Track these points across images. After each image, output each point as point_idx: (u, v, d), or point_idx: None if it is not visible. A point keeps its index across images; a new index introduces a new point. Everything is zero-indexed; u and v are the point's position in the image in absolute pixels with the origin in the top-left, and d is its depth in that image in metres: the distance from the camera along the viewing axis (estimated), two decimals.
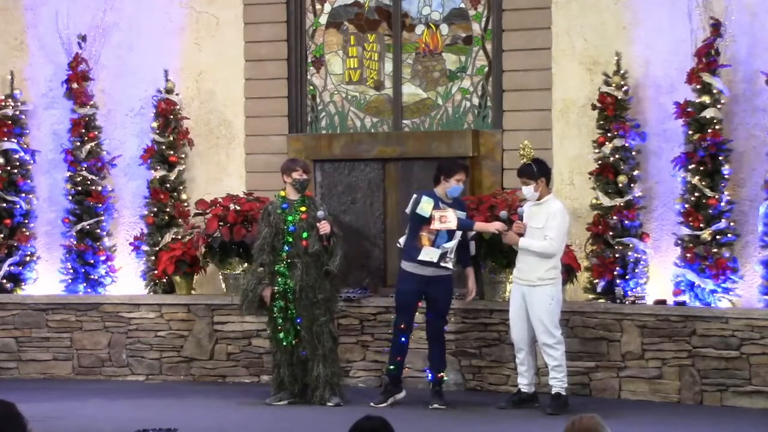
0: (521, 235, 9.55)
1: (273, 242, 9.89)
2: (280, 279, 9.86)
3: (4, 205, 12.12)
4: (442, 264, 9.72)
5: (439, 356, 9.89)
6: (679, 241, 10.39)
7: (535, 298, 9.48)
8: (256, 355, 11.15)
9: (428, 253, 9.70)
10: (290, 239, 9.86)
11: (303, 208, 9.92)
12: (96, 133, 12.15)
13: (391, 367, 9.94)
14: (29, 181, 12.32)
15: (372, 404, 9.74)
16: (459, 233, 9.77)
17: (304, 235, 9.84)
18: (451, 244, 9.72)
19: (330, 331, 9.91)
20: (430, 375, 9.91)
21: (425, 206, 9.70)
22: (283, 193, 10.04)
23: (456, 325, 10.68)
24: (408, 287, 9.83)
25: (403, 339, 9.87)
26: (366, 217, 11.45)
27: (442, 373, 9.85)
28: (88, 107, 12.12)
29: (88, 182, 12.04)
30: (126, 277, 12.06)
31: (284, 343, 9.90)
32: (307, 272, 9.80)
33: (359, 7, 11.88)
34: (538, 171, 9.57)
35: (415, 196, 9.88)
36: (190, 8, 12.14)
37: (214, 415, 9.64)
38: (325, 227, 9.74)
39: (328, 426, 9.12)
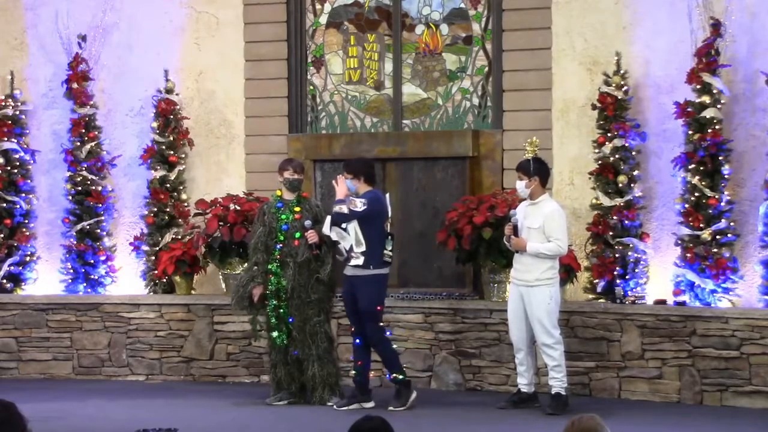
0: (515, 234, 9.56)
1: (267, 241, 9.89)
2: (272, 278, 9.86)
3: (4, 205, 12.12)
4: (353, 263, 9.67)
5: (384, 358, 9.80)
6: (679, 241, 10.39)
7: (533, 298, 9.47)
8: (256, 355, 11.14)
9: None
10: (282, 238, 9.86)
11: (297, 208, 9.92)
12: (96, 133, 12.15)
13: (352, 372, 9.92)
14: (29, 181, 12.32)
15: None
16: (350, 228, 9.68)
17: (297, 235, 9.83)
18: (346, 239, 9.69)
19: (325, 332, 9.88)
20: (388, 376, 9.87)
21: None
22: (279, 193, 10.05)
23: (456, 325, 10.69)
24: (343, 289, 9.87)
25: (357, 341, 9.82)
26: None
27: (395, 374, 9.72)
28: (88, 107, 12.12)
29: (88, 182, 12.04)
30: (126, 277, 12.06)
31: (277, 342, 9.90)
32: (299, 272, 9.79)
33: (359, 7, 11.88)
34: (534, 169, 9.55)
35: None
36: (190, 8, 12.14)
37: (214, 415, 9.64)
38: (312, 237, 9.74)
39: (328, 426, 9.11)
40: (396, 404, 9.64)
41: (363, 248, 9.65)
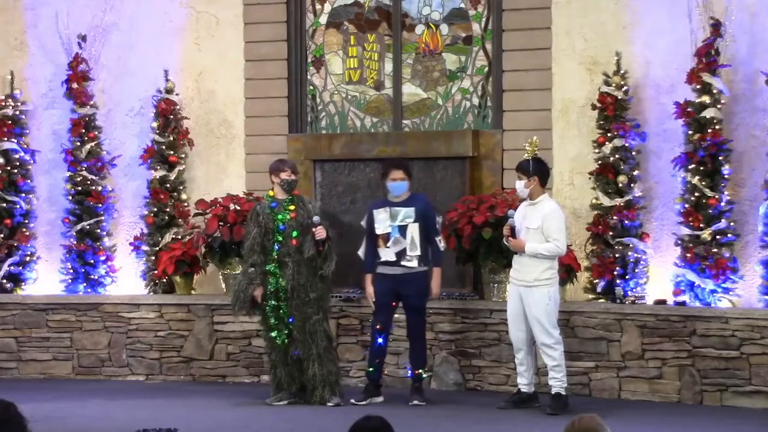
0: (512, 235, 9.55)
1: (263, 242, 9.89)
2: (271, 279, 9.85)
3: (4, 205, 12.12)
4: (403, 263, 9.83)
5: (419, 354, 9.96)
6: (679, 241, 10.39)
7: (532, 298, 9.47)
8: (255, 355, 11.15)
9: (385, 254, 9.86)
10: (280, 238, 9.87)
11: (292, 207, 9.93)
12: (96, 133, 12.16)
13: (370, 369, 10.04)
14: (29, 181, 12.32)
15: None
16: (412, 229, 9.81)
17: (294, 233, 9.84)
18: (405, 240, 9.82)
19: (324, 330, 9.90)
20: (409, 372, 10.02)
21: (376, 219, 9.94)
22: (271, 193, 10.05)
23: (456, 325, 10.69)
24: (382, 287, 9.92)
25: (380, 341, 9.94)
26: None
27: (420, 370, 9.91)
28: (88, 107, 12.12)
29: (88, 182, 12.04)
30: (126, 277, 12.06)
31: (278, 343, 9.91)
32: (298, 271, 9.80)
33: (359, 7, 11.88)
34: (533, 169, 9.56)
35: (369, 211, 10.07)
36: (190, 8, 12.14)
37: (214, 415, 9.64)
38: (321, 233, 9.74)
39: (328, 426, 9.12)
40: (419, 399, 9.83)
41: (417, 252, 9.83)
